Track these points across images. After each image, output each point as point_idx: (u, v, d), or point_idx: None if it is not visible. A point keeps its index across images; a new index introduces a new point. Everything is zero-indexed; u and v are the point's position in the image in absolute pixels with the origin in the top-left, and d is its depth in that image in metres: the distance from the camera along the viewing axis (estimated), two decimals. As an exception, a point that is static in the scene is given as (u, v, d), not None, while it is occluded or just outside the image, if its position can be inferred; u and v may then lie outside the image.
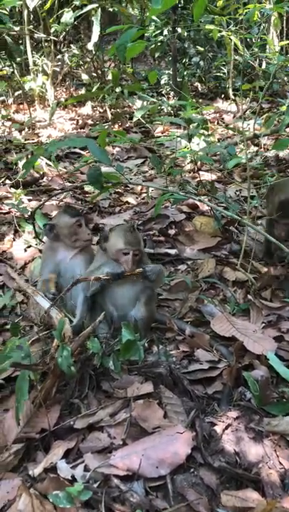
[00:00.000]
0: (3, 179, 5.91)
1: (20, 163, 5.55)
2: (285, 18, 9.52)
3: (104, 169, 3.16)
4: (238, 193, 5.37)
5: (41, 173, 6.00)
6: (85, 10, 7.49)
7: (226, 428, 2.40)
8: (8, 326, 3.32)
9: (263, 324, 3.25)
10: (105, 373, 2.68)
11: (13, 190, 5.41)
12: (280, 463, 2.23)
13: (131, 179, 5.39)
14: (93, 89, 8.51)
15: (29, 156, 4.50)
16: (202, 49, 9.20)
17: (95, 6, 7.48)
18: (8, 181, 5.81)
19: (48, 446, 2.32)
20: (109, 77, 9.03)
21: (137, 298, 3.12)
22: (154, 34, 10.05)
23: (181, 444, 2.22)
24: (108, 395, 2.60)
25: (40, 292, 2.75)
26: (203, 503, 2.02)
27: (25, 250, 4.41)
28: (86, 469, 2.14)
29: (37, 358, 2.55)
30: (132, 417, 2.41)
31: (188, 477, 2.16)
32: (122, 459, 2.15)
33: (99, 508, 1.96)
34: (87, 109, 9.51)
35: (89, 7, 7.50)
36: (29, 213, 4.81)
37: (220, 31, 6.53)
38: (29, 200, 5.30)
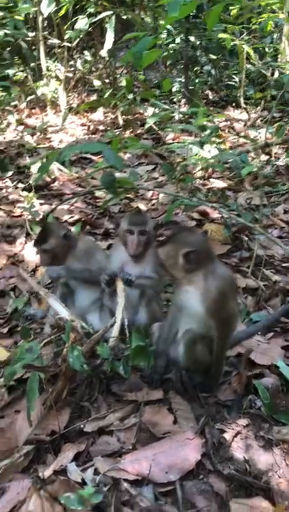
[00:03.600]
0: (15, 183, 5.96)
1: (33, 167, 5.60)
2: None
3: (117, 175, 3.19)
4: (248, 201, 5.37)
5: (53, 177, 6.04)
6: (99, 17, 7.55)
7: (236, 435, 2.39)
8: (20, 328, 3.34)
9: (271, 334, 3.25)
10: (115, 377, 2.69)
11: (25, 193, 5.45)
12: (290, 472, 2.23)
13: (142, 185, 5.43)
14: (105, 96, 8.56)
15: (44, 160, 4.52)
16: (215, 57, 9.22)
17: (109, 13, 7.54)
18: (20, 185, 5.86)
19: (58, 448, 2.32)
20: (122, 83, 9.08)
21: (140, 302, 3.15)
22: (166, 42, 10.12)
23: (190, 450, 2.23)
24: (118, 399, 2.61)
25: (52, 294, 2.77)
26: (212, 511, 2.02)
27: (37, 253, 4.44)
28: (96, 473, 2.15)
29: (49, 360, 2.55)
30: (142, 422, 2.42)
31: (197, 484, 2.16)
32: (131, 464, 2.16)
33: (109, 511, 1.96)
34: (98, 115, 9.57)
35: (103, 14, 7.56)
36: (41, 217, 4.85)
37: (232, 40, 6.57)
38: (41, 204, 5.34)
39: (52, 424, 2.39)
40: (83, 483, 2.09)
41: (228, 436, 2.38)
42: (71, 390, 2.57)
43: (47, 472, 2.16)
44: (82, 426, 2.41)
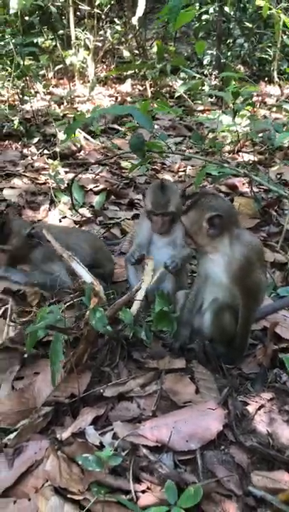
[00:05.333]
0: (40, 150, 5.90)
1: (60, 134, 5.51)
2: None
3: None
4: (279, 176, 5.21)
5: (79, 146, 5.95)
6: (131, -18, 7.33)
7: (259, 409, 2.32)
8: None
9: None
10: (137, 344, 2.63)
11: (50, 161, 5.39)
12: (314, 447, 2.15)
13: (169, 156, 5.30)
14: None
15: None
16: (250, 25, 8.86)
17: (142, -21, 7.31)
18: (46, 152, 5.80)
19: (77, 411, 2.28)
20: (153, 50, 8.85)
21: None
22: (198, 12, 9.79)
23: (212, 420, 2.16)
24: (139, 366, 2.55)
25: (76, 258, 2.70)
26: (233, 481, 1.96)
27: (60, 221, 4.39)
28: (114, 437, 2.10)
29: (71, 323, 2.51)
30: (163, 390, 2.36)
31: (218, 454, 2.10)
32: (151, 430, 2.11)
33: (126, 476, 1.92)
34: (126, 86, 9.40)
35: (136, -20, 7.34)
36: (65, 185, 4.79)
37: (270, 8, 6.29)
38: (66, 173, 5.27)
39: (71, 387, 2.35)
40: (101, 446, 2.04)
41: (251, 408, 2.31)
42: (92, 354, 2.52)
43: (65, 434, 2.12)
44: (101, 390, 2.35)
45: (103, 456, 1.79)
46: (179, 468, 2.00)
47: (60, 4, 8.27)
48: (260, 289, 2.58)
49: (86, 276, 2.57)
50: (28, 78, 7.06)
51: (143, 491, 1.88)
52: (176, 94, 6.03)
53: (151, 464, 1.96)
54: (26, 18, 8.75)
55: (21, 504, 1.88)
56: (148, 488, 1.89)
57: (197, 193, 2.90)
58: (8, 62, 6.70)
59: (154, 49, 10.05)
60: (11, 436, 2.15)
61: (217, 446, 2.12)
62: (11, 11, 7.08)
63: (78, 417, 2.24)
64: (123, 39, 10.42)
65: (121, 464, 1.93)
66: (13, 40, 6.53)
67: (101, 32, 9.63)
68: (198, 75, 6.64)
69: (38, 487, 1.92)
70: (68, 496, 1.84)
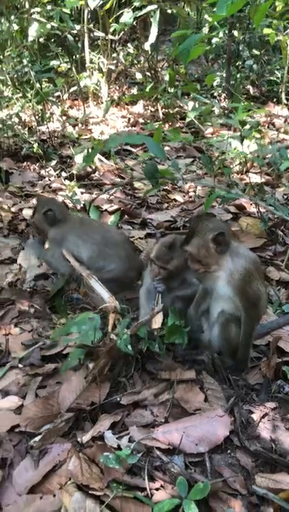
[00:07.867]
0: (58, 172, 6.18)
1: (77, 157, 5.79)
2: None
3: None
4: (285, 196, 5.43)
5: (94, 167, 6.23)
6: (144, 11, 7.65)
7: (263, 417, 2.53)
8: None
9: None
10: (150, 357, 2.85)
11: (67, 182, 5.66)
12: (315, 454, 2.34)
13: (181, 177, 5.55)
14: (146, 89, 8.69)
15: (89, 150, 4.71)
16: (258, 52, 9.19)
17: (154, 7, 7.63)
18: (63, 174, 6.08)
19: (96, 418, 2.51)
20: (164, 77, 9.17)
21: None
22: (209, 36, 10.13)
23: (220, 426, 2.37)
24: (152, 377, 2.77)
25: (93, 276, 2.94)
26: (238, 481, 2.16)
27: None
28: (130, 440, 2.31)
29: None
30: (175, 398, 2.57)
31: (225, 457, 2.31)
32: (164, 434, 2.32)
33: (142, 475, 2.13)
34: (139, 107, 9.70)
35: (148, 8, 7.64)
36: (82, 205, 5.04)
37: (276, 35, 6.58)
38: (82, 193, 5.53)
39: (92, 396, 2.57)
40: (118, 448, 2.25)
41: (255, 416, 2.52)
42: (110, 366, 2.74)
43: (85, 437, 2.35)
44: (118, 399, 2.58)
45: (122, 455, 2.00)
46: (189, 469, 2.21)
47: (75, 31, 8.63)
48: (260, 298, 2.80)
49: (104, 293, 2.82)
50: (45, 102, 7.37)
51: (157, 489, 2.09)
52: (188, 119, 6.30)
53: (164, 464, 2.18)
54: (41, 40, 9.15)
55: (47, 499, 2.10)
56: (161, 485, 2.10)
57: (191, 221, 3.10)
58: (28, 90, 7.03)
59: (166, 71, 10.41)
60: (37, 439, 2.37)
61: (224, 450, 2.34)
62: (30, 39, 7.49)
63: (97, 422, 2.46)
64: (135, 61, 10.77)
65: (137, 464, 2.15)
66: (32, 67, 6.87)
67: (114, 55, 9.99)
68: (208, 101, 6.91)
69: (62, 484, 2.14)
70: (90, 492, 2.05)
